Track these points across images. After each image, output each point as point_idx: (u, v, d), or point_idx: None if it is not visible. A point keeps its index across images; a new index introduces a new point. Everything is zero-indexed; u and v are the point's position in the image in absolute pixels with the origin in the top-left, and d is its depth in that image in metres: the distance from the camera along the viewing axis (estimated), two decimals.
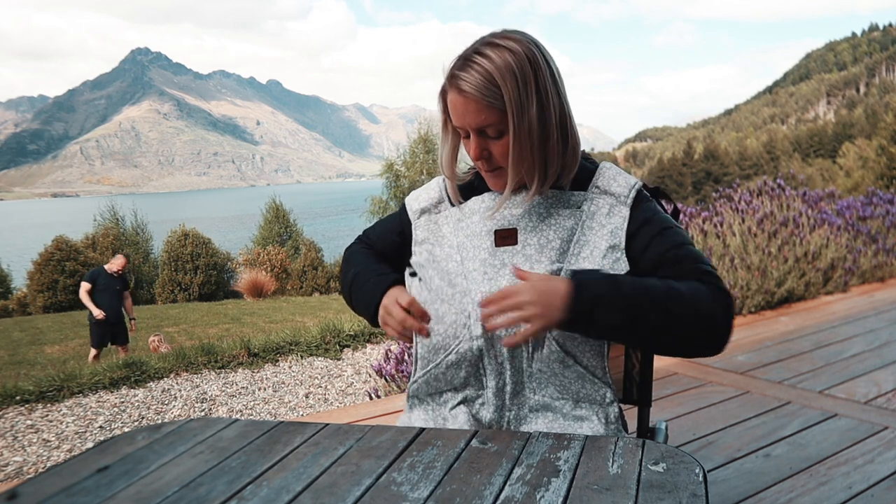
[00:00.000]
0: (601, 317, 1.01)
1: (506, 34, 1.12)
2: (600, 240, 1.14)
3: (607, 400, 1.15)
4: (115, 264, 8.22)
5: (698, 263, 1.10)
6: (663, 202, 1.27)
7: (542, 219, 1.17)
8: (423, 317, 1.18)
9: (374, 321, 1.27)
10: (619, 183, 1.17)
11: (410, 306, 1.17)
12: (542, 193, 1.16)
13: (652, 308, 1.02)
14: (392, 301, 1.20)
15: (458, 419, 1.18)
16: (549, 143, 1.12)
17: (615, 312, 1.01)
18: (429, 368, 1.19)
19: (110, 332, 8.05)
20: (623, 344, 1.14)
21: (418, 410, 1.25)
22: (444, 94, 1.15)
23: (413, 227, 1.30)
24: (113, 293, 8.05)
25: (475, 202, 1.23)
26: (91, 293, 7.95)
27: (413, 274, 1.26)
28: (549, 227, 1.16)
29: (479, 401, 1.19)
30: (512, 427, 1.17)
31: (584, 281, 1.03)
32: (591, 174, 1.22)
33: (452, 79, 1.11)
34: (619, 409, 1.17)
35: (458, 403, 1.20)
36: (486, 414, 1.18)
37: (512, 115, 1.08)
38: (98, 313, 7.88)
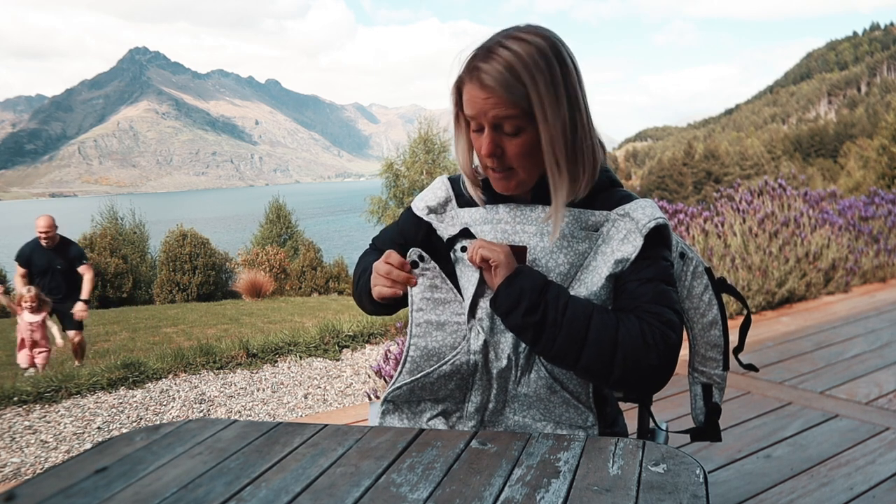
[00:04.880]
0: (521, 307, 1.03)
1: (529, 28, 1.07)
2: (604, 268, 1.09)
3: (589, 423, 1.13)
4: (40, 227, 6.01)
5: (655, 305, 1.05)
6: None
7: (554, 240, 1.12)
8: (403, 266, 1.14)
9: (374, 302, 1.21)
10: (645, 213, 1.11)
11: (393, 259, 1.14)
12: (563, 207, 1.09)
13: (567, 323, 1.02)
14: (378, 264, 1.17)
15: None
16: (584, 149, 1.07)
17: (533, 312, 1.03)
18: (418, 376, 1.13)
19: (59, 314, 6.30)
20: (537, 353, 1.09)
21: (392, 418, 1.19)
22: (459, 86, 1.09)
23: (426, 221, 1.26)
24: (54, 274, 6.14)
25: (488, 212, 1.18)
26: (29, 277, 6.12)
27: (416, 261, 1.18)
28: (560, 249, 1.11)
29: (457, 415, 1.16)
30: None
31: (520, 271, 1.06)
32: (604, 186, 1.16)
33: (473, 70, 1.05)
34: (598, 431, 1.15)
35: (437, 415, 1.16)
36: (463, 429, 1.15)
37: (541, 113, 1.03)
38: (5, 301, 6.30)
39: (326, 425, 1.09)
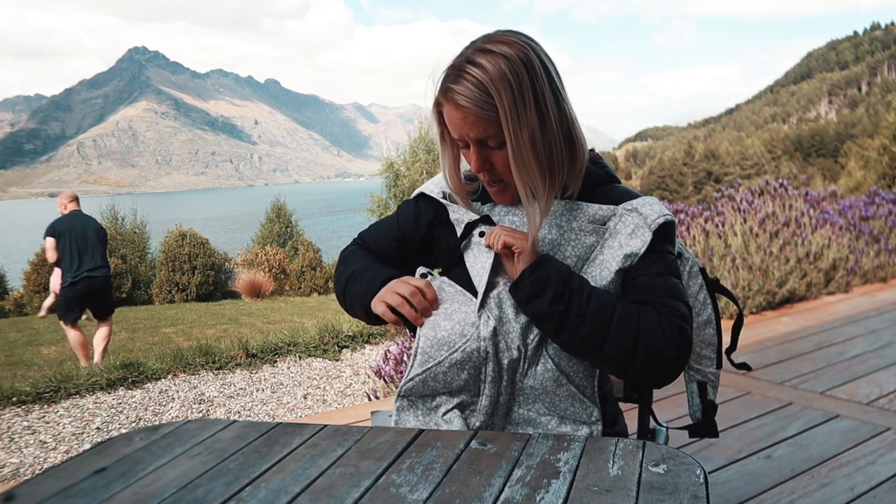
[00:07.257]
0: (547, 295, 1.05)
1: (499, 37, 1.07)
2: (613, 262, 1.11)
3: (593, 419, 1.14)
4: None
5: (668, 298, 1.08)
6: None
7: (562, 233, 1.14)
8: (434, 303, 1.14)
9: (369, 313, 1.20)
10: (654, 209, 1.13)
11: (426, 289, 1.14)
12: (549, 207, 1.11)
13: (591, 313, 1.04)
14: (399, 282, 1.15)
15: (453, 424, 1.13)
16: (554, 150, 1.08)
17: (559, 300, 1.04)
18: (430, 366, 1.12)
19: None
20: (557, 343, 1.09)
21: (407, 414, 1.18)
22: (438, 106, 1.11)
23: (429, 213, 1.26)
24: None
25: (497, 209, 1.20)
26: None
27: (424, 275, 1.20)
28: (567, 242, 1.13)
29: (472, 407, 1.15)
30: None
31: (546, 259, 1.08)
32: (602, 181, 1.18)
33: (447, 92, 1.07)
34: (602, 427, 1.15)
35: (452, 408, 1.15)
36: (475, 423, 1.15)
37: (508, 126, 1.04)
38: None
39: (326, 426, 1.09)
